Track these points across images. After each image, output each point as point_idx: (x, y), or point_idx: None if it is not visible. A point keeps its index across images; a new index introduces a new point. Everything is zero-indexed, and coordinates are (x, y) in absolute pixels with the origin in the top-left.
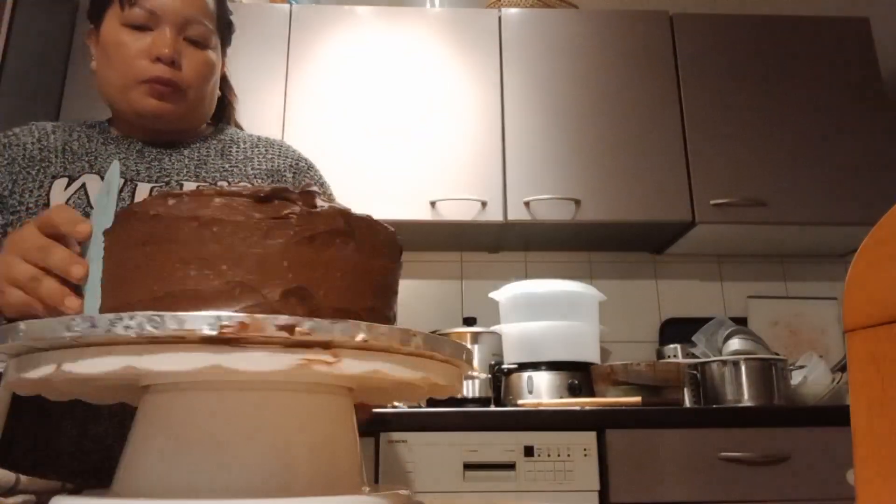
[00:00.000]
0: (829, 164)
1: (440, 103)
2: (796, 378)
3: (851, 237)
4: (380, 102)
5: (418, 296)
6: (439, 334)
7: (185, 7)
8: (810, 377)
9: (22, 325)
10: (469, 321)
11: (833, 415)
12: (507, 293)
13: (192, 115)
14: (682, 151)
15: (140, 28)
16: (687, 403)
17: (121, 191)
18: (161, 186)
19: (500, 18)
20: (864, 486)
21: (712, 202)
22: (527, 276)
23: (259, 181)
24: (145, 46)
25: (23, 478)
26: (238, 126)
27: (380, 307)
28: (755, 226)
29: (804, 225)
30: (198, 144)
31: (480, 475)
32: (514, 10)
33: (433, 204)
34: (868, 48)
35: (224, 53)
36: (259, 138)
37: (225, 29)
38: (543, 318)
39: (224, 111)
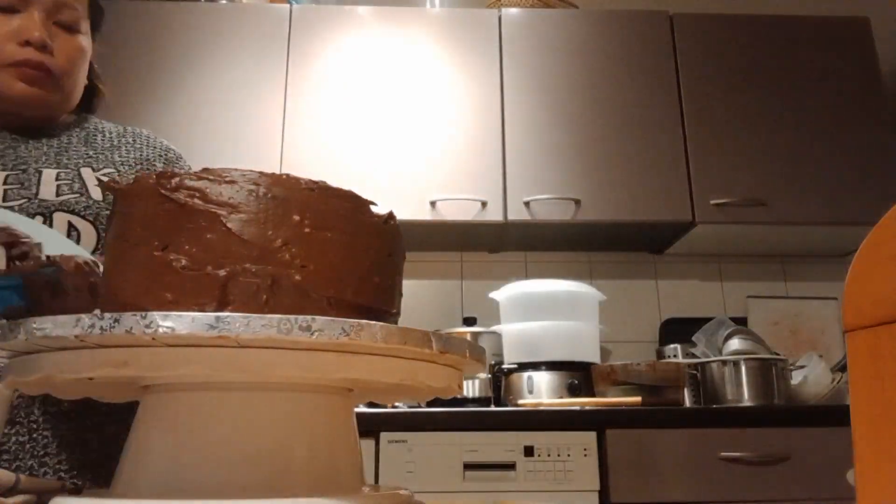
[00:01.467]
0: (829, 164)
1: (440, 103)
2: (796, 378)
3: (851, 237)
4: (380, 102)
5: (418, 296)
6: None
7: None
8: (810, 377)
9: (23, 323)
10: (469, 321)
11: (833, 415)
12: (507, 293)
13: (64, 103)
14: (682, 151)
15: (8, 10)
16: (687, 403)
17: None
18: (17, 174)
19: (500, 18)
20: (864, 486)
21: (712, 202)
22: (527, 276)
23: (126, 169)
24: (13, 29)
25: (23, 478)
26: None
27: (386, 304)
28: (755, 226)
29: (804, 225)
30: (58, 133)
31: (480, 475)
32: (514, 10)
33: (433, 204)
34: (868, 48)
35: (94, 38)
36: (125, 128)
37: (96, 13)
38: (543, 318)
39: (91, 100)
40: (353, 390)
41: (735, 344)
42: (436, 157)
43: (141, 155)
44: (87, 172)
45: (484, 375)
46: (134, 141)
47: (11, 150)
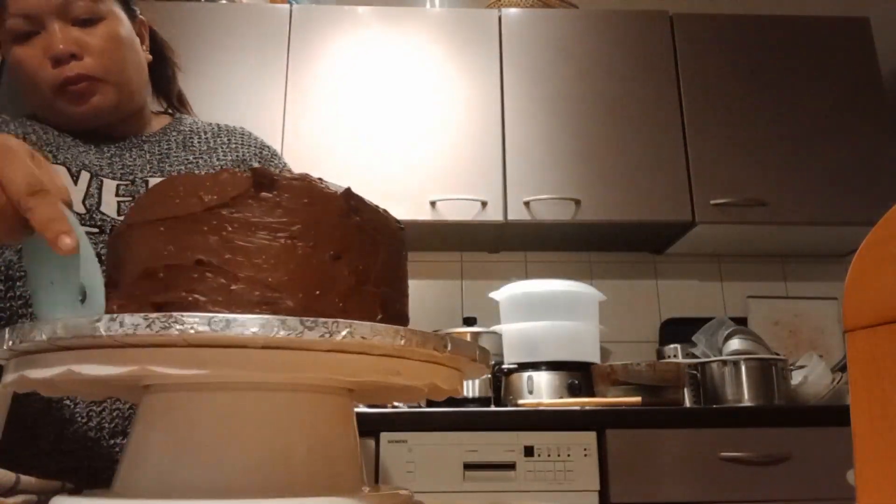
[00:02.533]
0: (829, 164)
1: (440, 103)
2: (796, 378)
3: (851, 237)
4: (380, 102)
5: (418, 296)
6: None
7: None
8: (810, 377)
9: (18, 327)
10: (469, 321)
11: (833, 415)
12: (507, 293)
13: (128, 97)
14: (682, 151)
15: (29, 37)
16: (687, 403)
17: (89, 185)
18: (126, 184)
19: (500, 18)
20: (864, 486)
21: (712, 202)
22: (527, 276)
23: None
24: (40, 54)
25: (23, 478)
26: (181, 97)
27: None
28: (755, 226)
29: (804, 225)
30: (157, 137)
31: (480, 475)
32: (514, 10)
33: (433, 204)
34: (868, 48)
35: (133, 15)
36: (220, 127)
37: None
38: (543, 318)
39: (166, 71)
40: (354, 390)
41: (735, 344)
42: (436, 157)
43: (237, 156)
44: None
45: (484, 376)
46: (229, 141)
47: (118, 159)
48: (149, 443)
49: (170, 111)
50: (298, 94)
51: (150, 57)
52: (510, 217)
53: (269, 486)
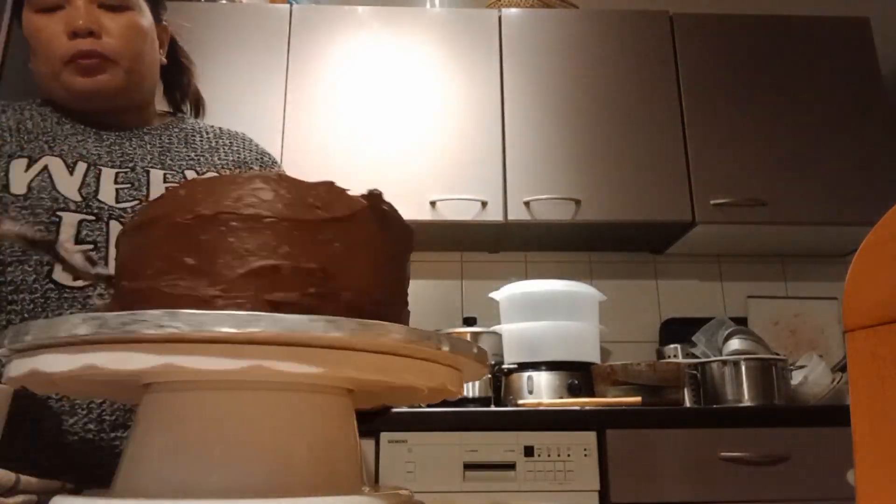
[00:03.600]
0: (829, 164)
1: (440, 103)
2: (796, 378)
3: (851, 237)
4: (380, 102)
5: (418, 296)
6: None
7: None
8: (810, 377)
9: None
10: (469, 321)
11: (833, 415)
12: (507, 293)
13: (135, 86)
14: (682, 151)
15: (52, 10)
16: (687, 403)
17: (85, 174)
18: (126, 172)
19: (500, 18)
20: (864, 486)
21: (712, 202)
22: (527, 276)
23: (226, 172)
24: (60, 26)
25: (23, 478)
26: (198, 100)
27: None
28: (755, 226)
29: (804, 225)
30: (158, 130)
31: (480, 475)
32: (514, 10)
33: (433, 204)
34: (868, 48)
35: (159, 18)
36: (221, 129)
37: None
38: (543, 318)
39: (181, 79)
40: (354, 391)
41: (735, 344)
42: (436, 157)
43: (239, 157)
44: (191, 175)
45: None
46: (231, 143)
47: (118, 147)
48: (149, 443)
49: (172, 112)
50: (298, 94)
51: (165, 60)
52: (510, 217)
53: (269, 486)
